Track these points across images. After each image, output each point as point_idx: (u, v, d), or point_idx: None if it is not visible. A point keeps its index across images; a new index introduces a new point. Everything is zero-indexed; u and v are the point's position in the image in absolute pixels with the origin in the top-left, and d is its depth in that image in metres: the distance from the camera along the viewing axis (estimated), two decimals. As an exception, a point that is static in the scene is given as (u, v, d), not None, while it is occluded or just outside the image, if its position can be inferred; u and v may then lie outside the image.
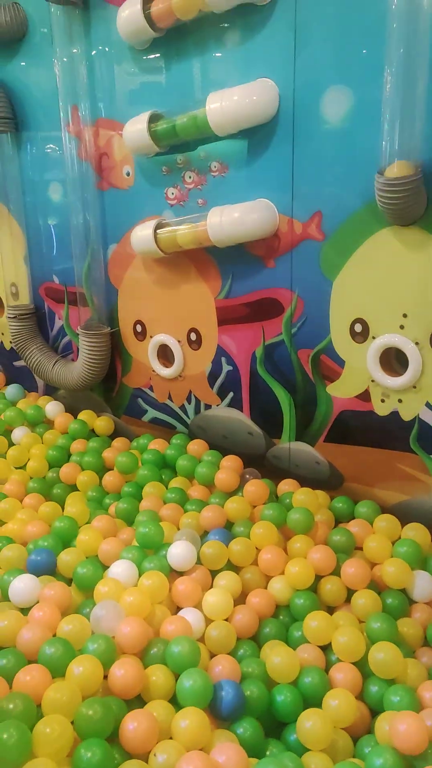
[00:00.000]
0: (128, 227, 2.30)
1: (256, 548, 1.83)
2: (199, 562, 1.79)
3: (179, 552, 1.76)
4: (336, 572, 1.74)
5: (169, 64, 2.07)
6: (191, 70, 2.02)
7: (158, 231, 2.14)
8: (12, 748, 1.18)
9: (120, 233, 2.37)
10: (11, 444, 2.54)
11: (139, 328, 2.43)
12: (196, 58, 1.99)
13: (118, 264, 2.41)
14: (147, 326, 2.40)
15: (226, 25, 1.88)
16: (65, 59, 2.25)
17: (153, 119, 2.05)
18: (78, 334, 2.49)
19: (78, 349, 2.54)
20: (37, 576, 1.70)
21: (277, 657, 1.50)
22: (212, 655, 1.55)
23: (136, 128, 2.07)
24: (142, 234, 2.18)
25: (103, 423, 2.58)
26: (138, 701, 1.41)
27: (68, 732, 1.25)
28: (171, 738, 1.31)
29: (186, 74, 2.03)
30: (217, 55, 1.94)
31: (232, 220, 1.94)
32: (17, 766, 1.18)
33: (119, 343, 2.50)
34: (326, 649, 1.58)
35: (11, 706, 1.27)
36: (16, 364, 2.90)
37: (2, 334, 2.93)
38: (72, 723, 1.28)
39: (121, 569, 1.70)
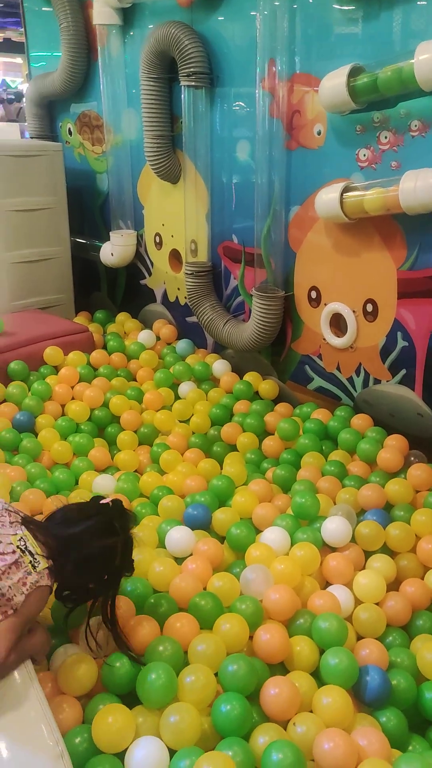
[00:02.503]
0: (313, 189, 2.23)
1: (416, 536, 1.74)
2: (353, 540, 1.74)
3: (334, 527, 1.72)
4: None
5: (370, 15, 1.94)
6: (395, 20, 1.88)
7: (345, 195, 2.05)
8: (159, 689, 1.23)
9: (304, 195, 2.30)
10: (177, 397, 2.62)
11: (313, 294, 2.37)
12: (399, 7, 1.85)
13: (299, 227, 2.36)
14: (322, 293, 2.34)
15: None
16: (266, 12, 2.19)
17: (353, 73, 1.94)
18: (251, 296, 2.49)
19: (250, 310, 2.54)
20: (192, 529, 1.75)
21: (429, 653, 1.42)
22: (359, 638, 1.51)
23: (334, 83, 1.97)
24: (327, 197, 2.10)
25: (267, 386, 2.57)
26: (281, 668, 1.41)
27: (211, 683, 1.28)
28: (311, 712, 1.30)
29: (389, 25, 1.90)
30: (422, 2, 1.78)
31: (429, 185, 1.80)
32: (161, 706, 1.23)
33: (291, 308, 2.46)
34: None
35: (161, 648, 1.32)
36: (189, 320, 2.97)
37: (178, 289, 3.00)
38: (215, 675, 1.31)
39: (274, 536, 1.70)
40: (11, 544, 1.19)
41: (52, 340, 2.70)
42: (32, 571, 1.18)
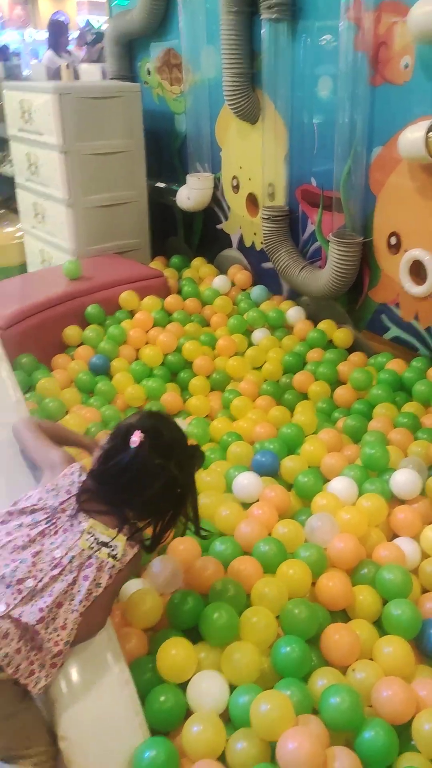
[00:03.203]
0: (398, 129, 2.11)
1: None
2: (423, 494, 1.71)
3: (403, 480, 1.69)
4: None
5: None
6: None
7: (431, 134, 1.93)
8: (221, 628, 1.28)
9: (388, 135, 2.19)
10: (250, 344, 2.62)
11: (393, 240, 2.28)
12: None
13: (381, 169, 2.25)
14: (402, 239, 2.24)
15: None
16: None
17: (446, -1, 1.80)
18: (328, 242, 2.41)
19: (327, 256, 2.47)
20: (260, 476, 1.77)
21: None
22: (424, 591, 1.50)
23: (425, 9, 1.84)
24: (412, 136, 1.99)
25: (342, 335, 2.52)
26: (342, 616, 1.43)
27: (273, 625, 1.31)
28: (371, 660, 1.32)
29: None
30: None
31: None
32: (223, 644, 1.28)
33: (369, 255, 2.37)
34: None
35: (225, 589, 1.36)
36: (265, 265, 2.92)
37: (254, 234, 2.95)
38: (277, 618, 1.34)
39: (341, 485, 1.70)
40: (83, 550, 1.11)
41: (128, 285, 2.73)
42: (115, 562, 1.13)
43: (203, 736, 1.13)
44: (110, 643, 1.18)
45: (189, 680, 1.23)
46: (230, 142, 2.94)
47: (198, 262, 3.19)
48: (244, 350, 2.55)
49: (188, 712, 1.21)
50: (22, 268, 3.65)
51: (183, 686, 1.23)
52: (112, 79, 3.48)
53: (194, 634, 1.33)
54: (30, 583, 1.07)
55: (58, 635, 1.06)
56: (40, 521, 1.14)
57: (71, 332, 2.50)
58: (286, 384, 2.39)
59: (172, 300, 2.77)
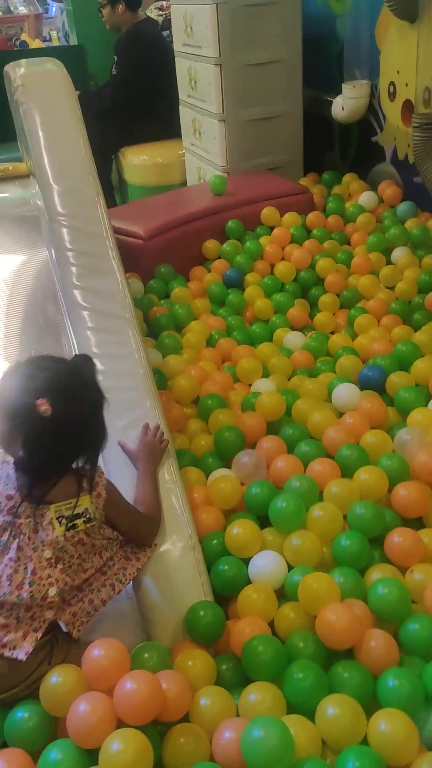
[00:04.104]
0: None
1: None
2: None
3: None
4: None
5: None
6: None
7: None
8: (288, 514, 1.38)
9: None
10: (389, 262, 2.55)
11: None
12: None
13: None
14: None
15: None
16: None
17: None
18: None
19: None
20: (365, 389, 1.79)
21: None
22: None
23: None
24: None
25: None
26: (416, 524, 1.46)
27: (338, 520, 1.39)
28: (433, 566, 1.35)
29: None
30: None
31: None
32: (289, 530, 1.38)
33: None
34: None
35: (297, 484, 1.45)
36: (417, 180, 2.77)
37: (409, 146, 2.80)
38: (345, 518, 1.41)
39: (443, 403, 1.67)
40: (66, 536, 1.08)
41: (271, 201, 2.76)
42: (95, 520, 1.12)
43: (256, 603, 1.26)
44: (181, 510, 1.34)
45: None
46: (390, 44, 2.77)
47: (349, 177, 3.11)
48: (380, 269, 2.50)
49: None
50: (183, 186, 3.80)
51: (247, 561, 1.37)
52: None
53: (268, 523, 1.44)
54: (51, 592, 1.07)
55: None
56: (6, 541, 1.08)
57: (210, 245, 2.62)
58: (418, 304, 2.32)
59: (313, 217, 2.76)
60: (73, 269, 1.65)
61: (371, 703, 1.11)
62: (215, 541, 1.40)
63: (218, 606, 1.25)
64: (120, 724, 1.01)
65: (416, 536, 1.35)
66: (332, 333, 2.29)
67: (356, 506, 1.39)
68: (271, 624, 1.26)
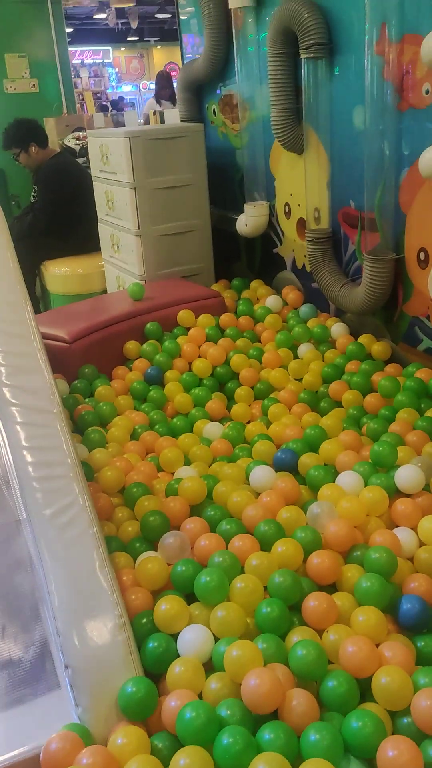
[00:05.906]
0: (422, 149, 2.24)
1: None
2: (427, 488, 1.82)
3: (407, 474, 1.81)
4: None
5: None
6: None
7: (445, 152, 2.06)
8: (212, 589, 1.47)
9: (414, 156, 2.33)
10: (296, 357, 2.79)
11: (422, 255, 2.40)
12: None
13: (409, 189, 2.39)
14: (430, 254, 2.36)
15: None
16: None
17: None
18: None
19: (365, 273, 2.61)
20: (279, 471, 1.94)
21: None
22: (414, 572, 1.61)
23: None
24: (429, 156, 2.12)
25: (380, 348, 2.65)
26: (332, 590, 1.57)
27: (258, 590, 1.49)
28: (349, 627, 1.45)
29: None
30: None
31: None
32: (212, 604, 1.46)
33: (402, 271, 2.50)
34: None
35: (220, 559, 1.55)
36: (314, 285, 3.09)
37: (305, 256, 3.14)
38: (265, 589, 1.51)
39: (348, 479, 1.84)
40: None
41: (187, 304, 3.00)
42: None
43: (184, 676, 1.32)
44: (113, 593, 1.40)
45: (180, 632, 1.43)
46: (282, 172, 3.17)
47: (256, 283, 3.42)
48: (288, 363, 2.74)
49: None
50: (104, 294, 4.03)
51: (176, 637, 1.43)
52: (182, 120, 3.83)
53: (194, 598, 1.52)
54: None
55: None
56: None
57: (131, 347, 2.79)
58: (323, 393, 2.55)
59: (226, 318, 3.00)
60: (2, 369, 1.76)
61: (297, 759, 1.17)
62: (144, 620, 1.46)
63: (150, 680, 1.30)
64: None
65: (330, 600, 1.46)
66: (248, 422, 2.46)
67: (275, 576, 1.50)
68: (200, 695, 1.31)
